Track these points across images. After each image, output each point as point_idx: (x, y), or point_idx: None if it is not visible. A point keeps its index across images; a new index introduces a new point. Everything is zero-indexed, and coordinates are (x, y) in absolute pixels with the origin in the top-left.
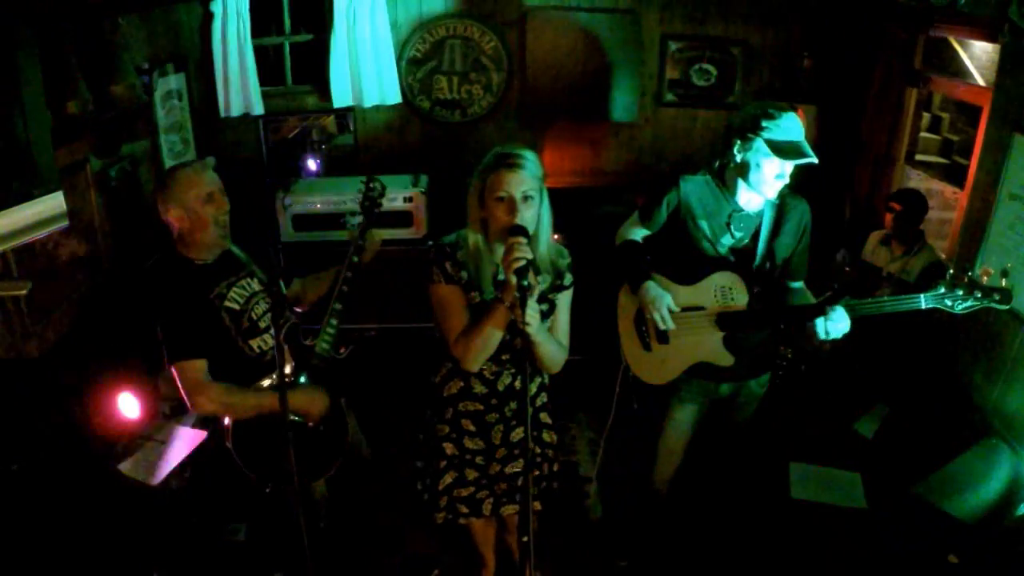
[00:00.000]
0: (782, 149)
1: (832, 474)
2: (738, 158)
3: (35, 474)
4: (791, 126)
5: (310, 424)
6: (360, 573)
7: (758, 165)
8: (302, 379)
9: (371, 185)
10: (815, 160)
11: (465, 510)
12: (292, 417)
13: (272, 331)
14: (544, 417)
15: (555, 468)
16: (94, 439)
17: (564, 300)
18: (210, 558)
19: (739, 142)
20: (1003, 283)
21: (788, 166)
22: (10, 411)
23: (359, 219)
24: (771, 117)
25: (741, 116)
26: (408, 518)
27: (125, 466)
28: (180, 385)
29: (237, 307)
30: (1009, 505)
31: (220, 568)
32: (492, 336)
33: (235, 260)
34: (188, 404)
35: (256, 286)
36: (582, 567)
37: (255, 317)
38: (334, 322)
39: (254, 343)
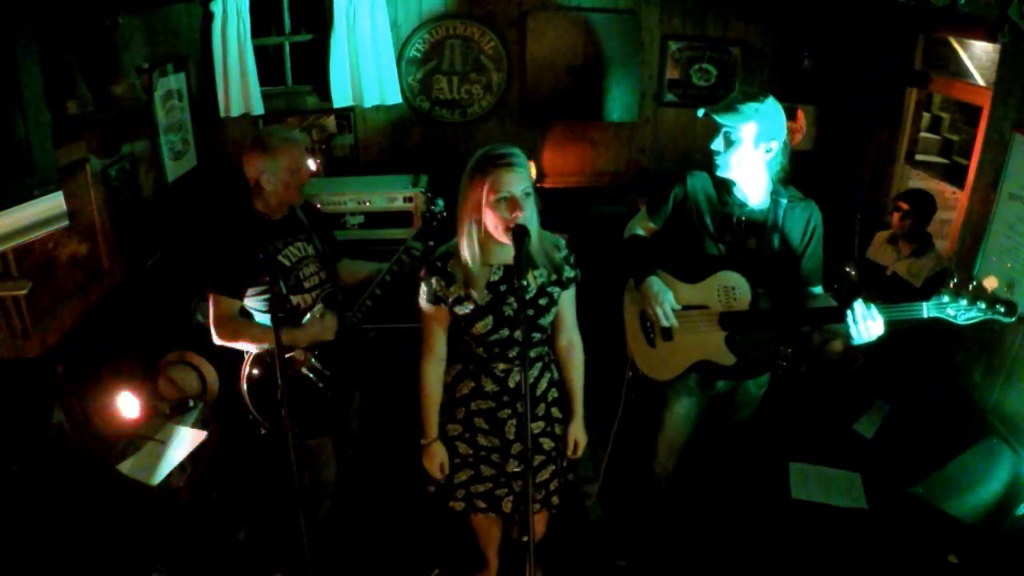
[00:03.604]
0: (713, 105)
1: (832, 474)
2: None
3: (35, 474)
4: (731, 93)
5: (320, 386)
6: (360, 573)
7: (712, 137)
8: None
9: (435, 200)
10: (730, 123)
11: (483, 505)
12: (307, 374)
13: (314, 292)
14: (556, 412)
15: (565, 463)
16: (94, 439)
17: (569, 295)
18: (210, 558)
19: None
20: (1008, 294)
21: (733, 128)
22: (10, 411)
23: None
24: (722, 97)
25: None
26: (408, 518)
27: (125, 466)
28: (210, 313)
29: (288, 264)
30: (1009, 505)
31: (220, 568)
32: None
33: (298, 223)
34: (212, 333)
35: (310, 250)
36: (582, 567)
37: (302, 277)
38: (368, 303)
39: (295, 299)
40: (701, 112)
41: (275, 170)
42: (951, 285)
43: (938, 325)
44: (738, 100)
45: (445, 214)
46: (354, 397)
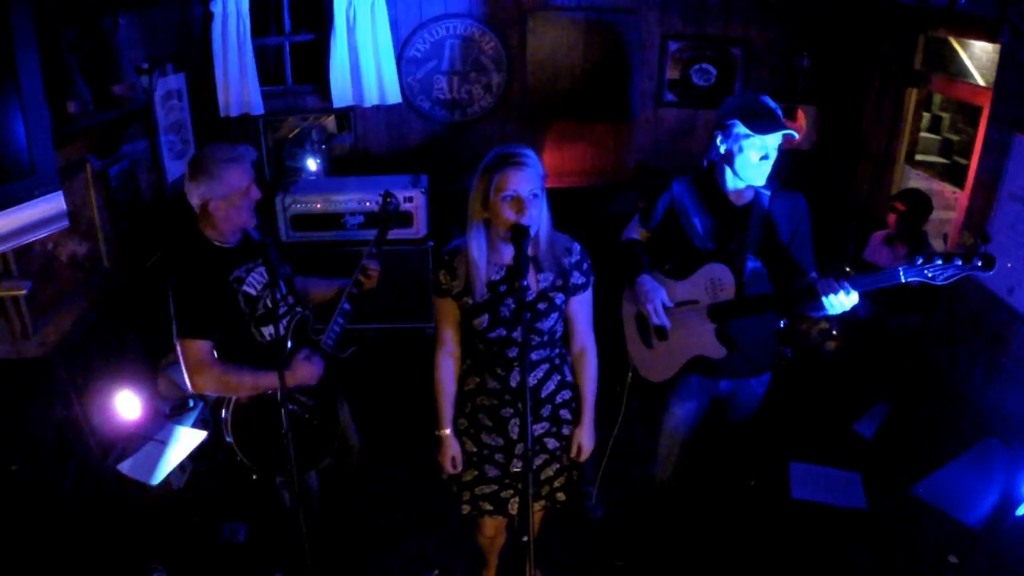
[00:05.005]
0: (758, 122)
1: (832, 474)
2: (722, 149)
3: (35, 474)
4: (764, 105)
5: (305, 417)
6: (360, 573)
7: (740, 149)
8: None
9: (388, 199)
10: (794, 134)
11: (489, 507)
12: (291, 407)
13: (285, 320)
14: (564, 414)
15: (568, 462)
16: (94, 439)
17: (581, 301)
18: (210, 558)
19: (720, 133)
20: (983, 249)
21: (771, 143)
22: (10, 411)
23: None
24: (744, 100)
25: (720, 109)
26: (408, 519)
27: (125, 466)
28: (182, 362)
29: (254, 292)
30: (1008, 505)
31: (220, 568)
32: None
33: (255, 246)
34: (187, 382)
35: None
36: (582, 567)
37: (270, 304)
38: (341, 320)
39: (267, 331)
40: (765, 135)
41: (223, 194)
42: (925, 251)
43: (938, 325)
44: (775, 110)
45: (398, 212)
46: (341, 418)
